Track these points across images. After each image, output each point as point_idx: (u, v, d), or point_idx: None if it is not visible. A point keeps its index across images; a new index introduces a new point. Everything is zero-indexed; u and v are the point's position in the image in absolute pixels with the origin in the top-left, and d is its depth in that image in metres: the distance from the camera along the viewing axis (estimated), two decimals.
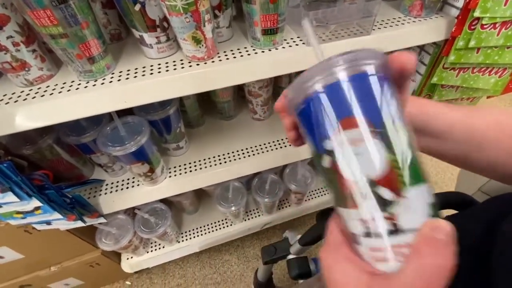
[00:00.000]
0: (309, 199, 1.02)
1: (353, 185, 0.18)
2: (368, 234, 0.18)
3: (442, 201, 0.44)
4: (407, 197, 0.17)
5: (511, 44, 0.54)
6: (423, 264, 0.15)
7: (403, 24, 0.54)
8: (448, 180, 1.39)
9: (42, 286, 0.86)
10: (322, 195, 1.04)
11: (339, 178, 0.18)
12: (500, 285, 0.23)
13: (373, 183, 0.17)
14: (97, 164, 0.68)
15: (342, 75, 0.18)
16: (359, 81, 0.18)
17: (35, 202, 0.49)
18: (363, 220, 0.18)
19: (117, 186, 0.68)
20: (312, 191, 1.04)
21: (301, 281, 0.54)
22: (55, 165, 0.62)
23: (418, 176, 0.18)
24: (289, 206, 1.01)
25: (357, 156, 0.18)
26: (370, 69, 0.18)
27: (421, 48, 0.67)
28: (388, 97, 0.19)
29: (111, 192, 0.67)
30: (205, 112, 0.84)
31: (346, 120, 0.18)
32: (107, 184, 0.69)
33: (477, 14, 0.48)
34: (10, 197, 0.46)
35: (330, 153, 0.18)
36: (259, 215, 0.99)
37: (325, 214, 0.67)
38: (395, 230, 0.17)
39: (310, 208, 1.03)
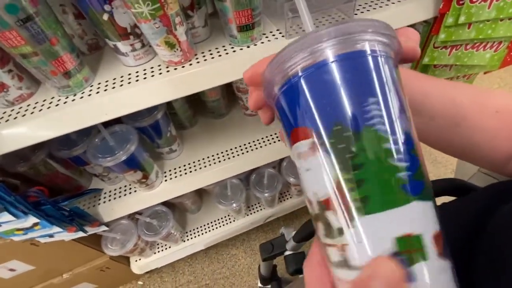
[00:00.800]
0: None
1: (309, 204, 0.16)
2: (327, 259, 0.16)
3: (440, 188, 0.43)
4: (357, 227, 0.13)
5: (504, 16, 0.50)
6: None
7: (387, 5, 0.51)
8: (452, 159, 1.36)
9: None
10: None
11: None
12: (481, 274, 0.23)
13: (321, 205, 0.15)
14: (93, 174, 0.68)
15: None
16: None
17: (32, 219, 0.50)
18: (321, 244, 0.16)
19: (115, 194, 0.69)
20: None
21: (301, 276, 0.54)
22: (52, 179, 0.63)
23: (382, 200, 0.13)
24: (291, 197, 1.01)
25: (307, 173, 0.15)
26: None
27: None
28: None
29: (109, 200, 0.68)
30: (197, 112, 0.84)
31: (293, 131, 0.16)
32: (105, 193, 0.70)
33: None
34: (6, 216, 0.47)
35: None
36: (261, 209, 1.00)
37: None
38: (343, 263, 0.14)
39: None
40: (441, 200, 0.44)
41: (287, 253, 0.51)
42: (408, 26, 0.62)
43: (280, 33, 0.49)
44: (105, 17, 0.40)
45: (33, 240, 0.69)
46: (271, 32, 0.49)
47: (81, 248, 0.79)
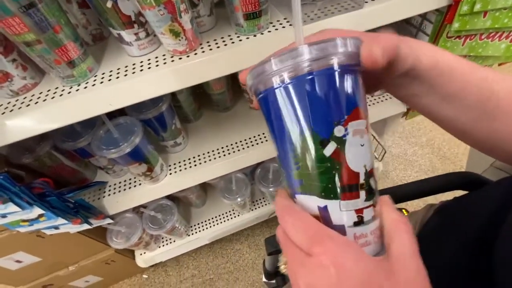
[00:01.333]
0: None
1: (356, 176, 0.18)
2: (357, 223, 0.19)
3: (452, 181, 0.41)
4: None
5: None
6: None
7: None
8: (462, 154, 1.34)
9: (63, 285, 0.90)
10: None
11: (343, 168, 0.18)
12: (500, 270, 0.22)
13: (368, 174, 0.19)
14: (97, 166, 0.68)
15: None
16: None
17: (38, 210, 0.50)
18: (358, 210, 0.19)
19: (119, 186, 0.69)
20: None
21: None
22: (57, 171, 0.63)
23: None
24: None
25: (361, 148, 0.19)
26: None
27: (423, 17, 0.62)
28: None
29: (114, 193, 0.68)
30: (202, 105, 0.83)
31: (355, 110, 0.18)
32: (110, 186, 0.70)
33: None
34: (11, 207, 0.47)
35: (339, 140, 0.18)
36: (265, 204, 0.99)
37: None
38: (374, 217, 0.19)
39: None
40: (453, 194, 0.42)
41: None
42: (420, 14, 0.61)
43: (287, 21, 0.47)
44: (109, 4, 0.39)
45: (39, 232, 0.69)
46: (278, 21, 0.48)
47: (87, 240, 0.79)
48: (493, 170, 0.59)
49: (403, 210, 0.65)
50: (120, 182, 0.70)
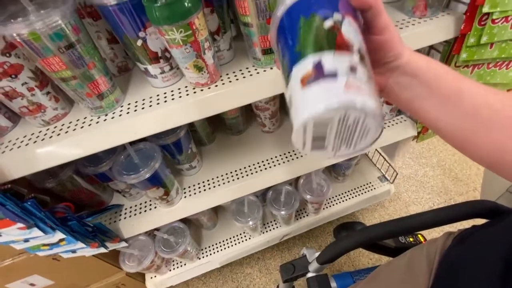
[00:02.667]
0: (326, 207, 1.00)
1: (349, 44, 0.21)
2: (349, 72, 0.20)
3: (470, 210, 0.41)
4: None
5: None
6: None
7: (407, 26, 0.52)
8: (474, 175, 1.32)
9: None
10: (340, 202, 1.01)
11: (338, 36, 0.21)
12: None
13: (359, 50, 0.22)
14: (115, 190, 0.70)
15: None
16: None
17: (59, 235, 0.51)
18: (351, 64, 0.20)
19: (135, 210, 0.70)
20: (329, 199, 1.02)
21: None
22: (76, 195, 0.65)
23: None
24: (307, 215, 0.99)
25: (355, 32, 0.22)
26: None
27: (431, 47, 0.64)
28: None
29: (130, 216, 0.69)
30: (215, 129, 0.85)
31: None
32: (125, 209, 0.71)
33: (486, 9, 0.46)
34: (36, 232, 0.48)
35: (339, 20, 0.22)
36: (277, 227, 0.98)
37: (343, 229, 0.66)
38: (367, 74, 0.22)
39: (329, 216, 1.00)
40: (470, 222, 0.42)
41: (309, 275, 0.50)
42: (429, 46, 0.63)
43: None
44: (139, 43, 0.43)
45: (55, 255, 0.70)
46: None
47: (100, 264, 0.79)
48: (509, 195, 0.59)
49: (419, 236, 0.64)
50: (136, 205, 0.71)
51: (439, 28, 0.52)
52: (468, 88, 0.27)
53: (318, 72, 0.20)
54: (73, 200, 0.64)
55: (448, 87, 0.27)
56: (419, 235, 0.64)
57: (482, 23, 0.49)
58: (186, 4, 0.36)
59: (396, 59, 0.27)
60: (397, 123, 0.79)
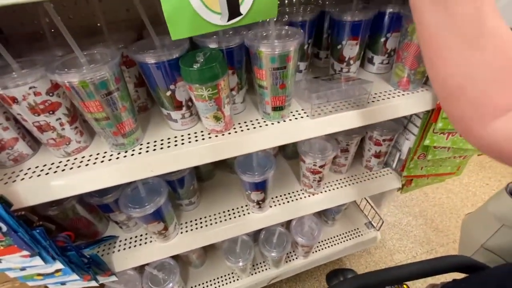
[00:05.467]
0: (316, 251, 1.02)
1: None
2: None
3: (449, 265, 0.46)
4: None
5: None
6: None
7: (393, 97, 0.62)
8: (454, 227, 1.39)
9: None
10: (328, 247, 1.04)
11: None
12: None
13: None
14: (113, 221, 0.71)
15: None
16: None
17: (58, 265, 0.51)
18: None
19: (130, 242, 0.71)
20: (319, 243, 1.05)
21: None
22: (74, 224, 0.65)
23: None
24: (296, 258, 1.00)
25: None
26: None
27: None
28: None
29: (124, 249, 0.69)
30: (216, 166, 0.90)
31: None
32: (120, 241, 0.71)
33: None
34: (36, 261, 0.49)
35: None
36: (266, 269, 0.98)
37: (335, 276, 0.68)
38: None
39: (318, 260, 1.02)
40: (452, 276, 0.47)
41: None
42: (410, 114, 0.73)
43: (304, 112, 0.58)
44: (168, 93, 0.49)
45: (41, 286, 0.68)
46: (297, 111, 0.59)
47: None
48: (483, 251, 0.64)
49: (404, 286, 0.67)
50: (131, 238, 0.72)
51: (419, 100, 0.62)
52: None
53: None
54: (70, 229, 0.64)
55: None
56: (404, 285, 0.67)
57: None
58: (216, 70, 0.43)
59: None
60: (383, 175, 0.86)
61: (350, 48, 0.63)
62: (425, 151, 0.72)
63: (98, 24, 0.54)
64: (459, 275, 0.47)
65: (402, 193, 0.92)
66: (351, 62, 0.65)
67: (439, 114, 0.62)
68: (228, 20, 0.34)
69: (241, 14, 0.34)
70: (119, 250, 0.69)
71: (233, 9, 0.33)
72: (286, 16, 0.60)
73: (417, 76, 0.61)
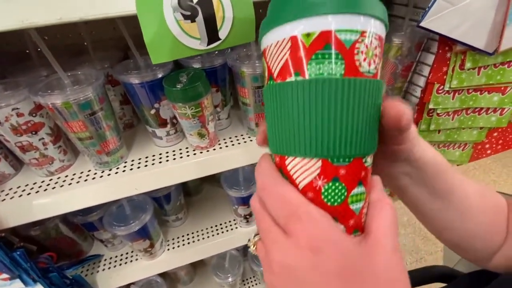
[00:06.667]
0: None
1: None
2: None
3: (429, 275, 0.47)
4: None
5: (465, 126, 0.64)
6: None
7: None
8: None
9: None
10: None
11: None
12: None
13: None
14: (98, 239, 0.69)
15: None
16: None
17: (39, 287, 0.50)
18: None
19: (115, 261, 0.69)
20: None
21: None
22: (57, 243, 0.64)
23: None
24: None
25: None
26: None
27: None
28: None
29: (109, 268, 0.68)
30: (204, 180, 0.90)
31: None
32: (105, 259, 0.70)
33: (431, 106, 0.59)
34: (17, 284, 0.47)
35: None
36: (256, 284, 0.97)
37: None
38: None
39: None
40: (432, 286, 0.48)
41: None
42: None
43: None
44: (152, 111, 0.50)
45: None
46: None
47: None
48: (465, 261, 0.66)
49: None
50: (116, 256, 0.70)
51: None
52: (458, 182, 0.28)
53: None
54: (53, 249, 0.62)
55: (443, 184, 0.28)
56: None
57: (430, 114, 0.62)
58: (199, 89, 0.44)
59: (409, 156, 0.26)
60: None
61: None
62: None
63: (85, 43, 0.55)
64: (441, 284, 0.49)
65: None
66: None
67: (417, 127, 0.64)
68: (208, 45, 0.36)
69: (220, 39, 0.36)
70: (103, 270, 0.67)
71: (212, 35, 0.35)
72: None
73: (394, 92, 0.64)
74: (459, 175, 0.29)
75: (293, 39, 0.17)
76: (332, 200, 0.19)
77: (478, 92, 0.58)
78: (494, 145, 0.71)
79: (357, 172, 0.19)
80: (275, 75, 0.19)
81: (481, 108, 0.61)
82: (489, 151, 0.73)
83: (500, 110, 0.62)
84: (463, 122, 0.63)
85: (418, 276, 0.47)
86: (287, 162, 0.20)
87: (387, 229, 0.18)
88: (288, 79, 0.18)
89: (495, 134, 0.68)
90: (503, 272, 0.33)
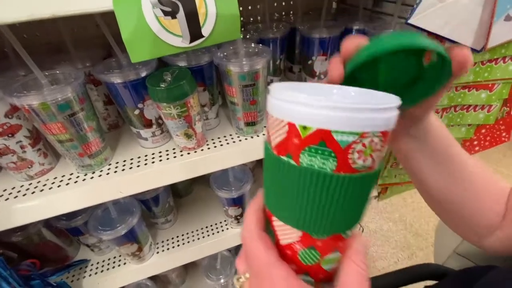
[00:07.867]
0: None
1: None
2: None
3: (420, 273, 0.47)
4: None
5: (454, 123, 0.64)
6: None
7: None
8: (432, 231, 1.43)
9: None
10: None
11: None
12: None
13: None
14: (84, 244, 0.67)
15: None
16: None
17: None
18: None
19: (102, 266, 0.67)
20: None
21: None
22: (41, 249, 0.61)
23: None
24: None
25: None
26: None
27: None
28: None
29: (96, 273, 0.66)
30: (194, 180, 0.88)
31: None
32: (92, 264, 0.68)
33: None
34: None
35: None
36: None
37: None
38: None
39: None
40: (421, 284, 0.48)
41: None
42: None
43: None
44: (136, 112, 0.48)
45: None
46: None
47: None
48: (456, 256, 0.66)
49: None
50: (103, 261, 0.69)
51: None
52: (456, 149, 0.30)
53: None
54: (37, 255, 0.60)
55: (444, 148, 0.30)
56: None
57: None
58: (184, 88, 0.43)
59: (423, 118, 0.28)
60: None
61: (320, 63, 0.65)
62: (397, 160, 0.75)
63: (66, 42, 0.53)
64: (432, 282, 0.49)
65: (380, 201, 0.94)
66: (322, 76, 0.67)
67: None
68: (190, 42, 0.34)
69: (203, 36, 0.34)
70: (90, 275, 0.65)
71: (195, 32, 0.33)
72: (256, 33, 0.61)
73: None
74: (461, 148, 0.31)
75: (291, 125, 0.17)
76: (306, 261, 0.20)
77: (467, 89, 0.59)
78: (482, 142, 0.72)
79: (335, 243, 0.20)
80: (272, 144, 0.20)
81: (469, 105, 0.62)
82: (477, 148, 0.74)
83: (487, 107, 0.62)
84: (452, 119, 0.63)
85: (412, 273, 0.47)
86: (273, 218, 0.21)
87: (355, 285, 0.19)
88: (282, 156, 0.19)
89: (483, 131, 0.69)
90: (497, 254, 0.33)
